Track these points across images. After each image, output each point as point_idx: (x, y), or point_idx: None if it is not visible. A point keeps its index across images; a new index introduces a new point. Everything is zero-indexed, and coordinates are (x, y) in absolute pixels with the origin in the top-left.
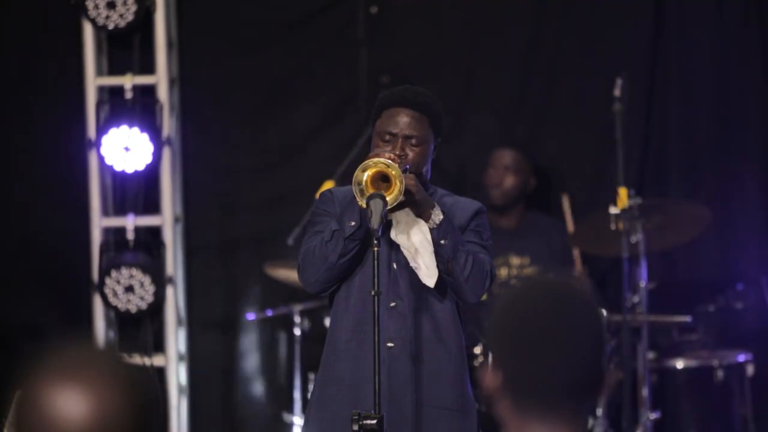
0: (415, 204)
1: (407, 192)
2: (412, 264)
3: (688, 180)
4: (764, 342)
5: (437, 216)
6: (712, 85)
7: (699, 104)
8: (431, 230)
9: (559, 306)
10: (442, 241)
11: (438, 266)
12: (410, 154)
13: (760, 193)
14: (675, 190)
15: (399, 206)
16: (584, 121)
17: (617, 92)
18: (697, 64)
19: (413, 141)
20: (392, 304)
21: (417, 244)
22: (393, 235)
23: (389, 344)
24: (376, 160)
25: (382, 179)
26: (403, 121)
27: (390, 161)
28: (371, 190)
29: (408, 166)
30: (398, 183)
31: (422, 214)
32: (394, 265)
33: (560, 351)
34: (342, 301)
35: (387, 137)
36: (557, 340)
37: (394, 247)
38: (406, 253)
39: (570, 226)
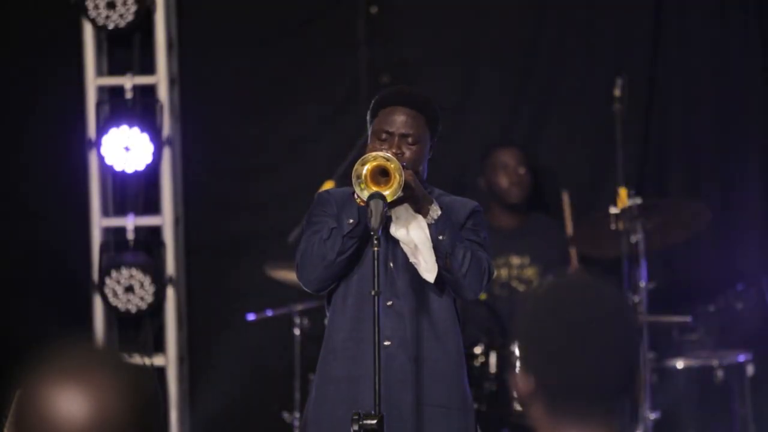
0: (414, 199)
1: (406, 187)
2: (411, 259)
3: (688, 180)
4: (764, 342)
5: (435, 211)
6: (712, 85)
7: (699, 104)
8: (429, 225)
9: (589, 308)
10: (440, 237)
11: (436, 262)
12: (407, 153)
13: (760, 193)
14: (675, 190)
15: (398, 201)
16: (584, 121)
17: (617, 92)
18: (697, 64)
19: (410, 139)
20: (389, 303)
21: (416, 240)
22: (392, 230)
23: (386, 343)
24: (375, 154)
25: (382, 173)
26: (399, 119)
27: (390, 155)
28: (371, 184)
29: (405, 164)
30: (398, 176)
31: (421, 209)
32: (391, 264)
33: (592, 353)
34: (339, 300)
35: (383, 136)
36: (589, 342)
37: (391, 245)
38: (405, 248)
39: (569, 224)
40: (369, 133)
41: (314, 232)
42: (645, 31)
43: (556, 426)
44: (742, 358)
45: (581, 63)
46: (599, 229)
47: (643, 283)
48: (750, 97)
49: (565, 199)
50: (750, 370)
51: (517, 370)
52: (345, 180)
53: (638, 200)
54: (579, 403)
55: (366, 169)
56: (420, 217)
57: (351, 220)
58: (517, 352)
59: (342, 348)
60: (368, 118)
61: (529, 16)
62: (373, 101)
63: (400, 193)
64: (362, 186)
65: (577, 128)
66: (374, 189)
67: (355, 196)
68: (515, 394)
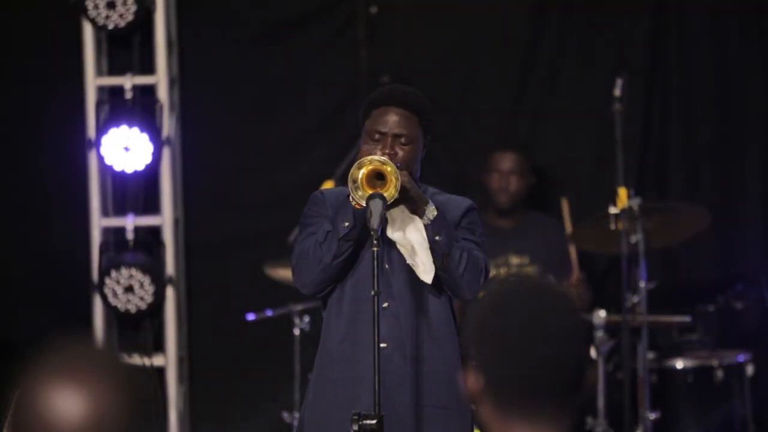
0: (410, 200)
1: (402, 189)
2: (408, 261)
3: (688, 180)
4: (764, 342)
5: (431, 212)
6: (712, 85)
7: (699, 104)
8: (425, 226)
9: (537, 307)
10: (437, 237)
11: (434, 263)
12: (400, 153)
13: (760, 194)
14: (675, 190)
15: (394, 203)
16: (584, 121)
17: (617, 92)
18: (697, 64)
19: (403, 140)
20: (385, 305)
21: (413, 241)
22: (389, 232)
23: (382, 345)
24: (371, 157)
25: (377, 177)
26: (392, 119)
27: (385, 158)
28: (367, 188)
29: (399, 165)
30: (394, 179)
31: (417, 210)
32: (386, 266)
33: (542, 352)
34: (335, 302)
35: (376, 136)
36: (539, 341)
37: (386, 247)
38: (402, 250)
39: (569, 228)
40: (362, 133)
41: (309, 235)
42: (645, 32)
43: (505, 424)
44: (741, 358)
45: (581, 63)
46: (599, 229)
47: (643, 283)
48: (750, 97)
49: (565, 205)
50: (750, 370)
51: (469, 368)
52: (344, 180)
53: (638, 200)
54: (528, 401)
55: (362, 173)
56: (416, 218)
57: (347, 223)
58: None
59: (338, 350)
60: (360, 117)
61: (529, 16)
62: (365, 101)
63: (396, 196)
64: (359, 190)
65: (577, 128)
66: (370, 192)
67: (351, 199)
68: (465, 392)
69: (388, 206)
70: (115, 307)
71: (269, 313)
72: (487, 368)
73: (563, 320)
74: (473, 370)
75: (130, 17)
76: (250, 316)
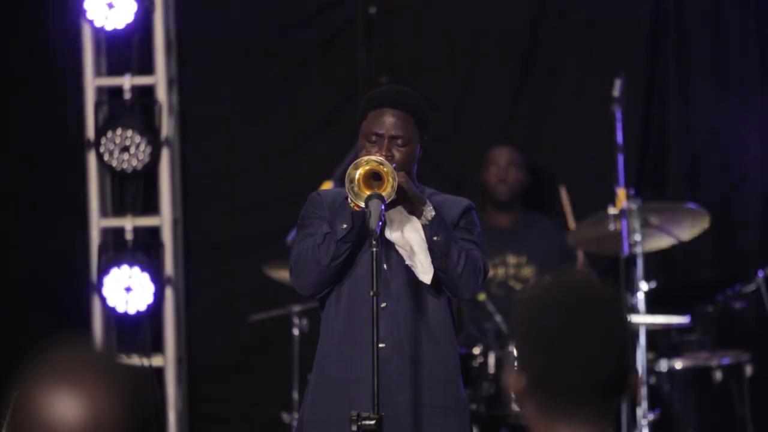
0: (408, 201)
1: (400, 189)
2: (407, 262)
3: (687, 180)
4: (763, 342)
5: (429, 212)
6: (712, 86)
7: (698, 104)
8: (424, 227)
9: (582, 306)
10: (435, 238)
11: (432, 263)
12: (397, 155)
13: (759, 193)
14: (674, 190)
15: (392, 204)
16: (584, 121)
17: (616, 92)
18: (697, 64)
19: (399, 141)
20: (383, 305)
21: (412, 242)
22: (387, 233)
23: (381, 345)
24: (368, 158)
25: (374, 177)
26: (388, 121)
27: (382, 159)
28: (364, 189)
29: (395, 166)
30: (391, 180)
31: (415, 211)
32: (384, 266)
33: (585, 351)
34: (333, 303)
35: (373, 138)
36: (581, 340)
37: (384, 247)
38: (401, 251)
39: (570, 219)
40: (359, 134)
41: (307, 236)
42: (643, 32)
43: (548, 425)
44: (740, 358)
45: (580, 64)
46: (599, 229)
47: (642, 283)
48: (748, 97)
49: (563, 193)
50: (748, 370)
51: (512, 368)
52: (343, 181)
53: (637, 200)
54: (571, 402)
55: (359, 174)
56: (414, 218)
57: (345, 225)
58: (513, 350)
59: (337, 351)
60: (357, 119)
61: (528, 17)
62: (361, 102)
63: (393, 197)
64: (356, 190)
65: (576, 129)
66: (368, 193)
67: (349, 200)
68: (510, 393)
69: (386, 207)
70: (114, 308)
71: (268, 313)
72: (530, 368)
73: (607, 320)
74: (517, 369)
75: (129, 17)
76: (249, 316)
